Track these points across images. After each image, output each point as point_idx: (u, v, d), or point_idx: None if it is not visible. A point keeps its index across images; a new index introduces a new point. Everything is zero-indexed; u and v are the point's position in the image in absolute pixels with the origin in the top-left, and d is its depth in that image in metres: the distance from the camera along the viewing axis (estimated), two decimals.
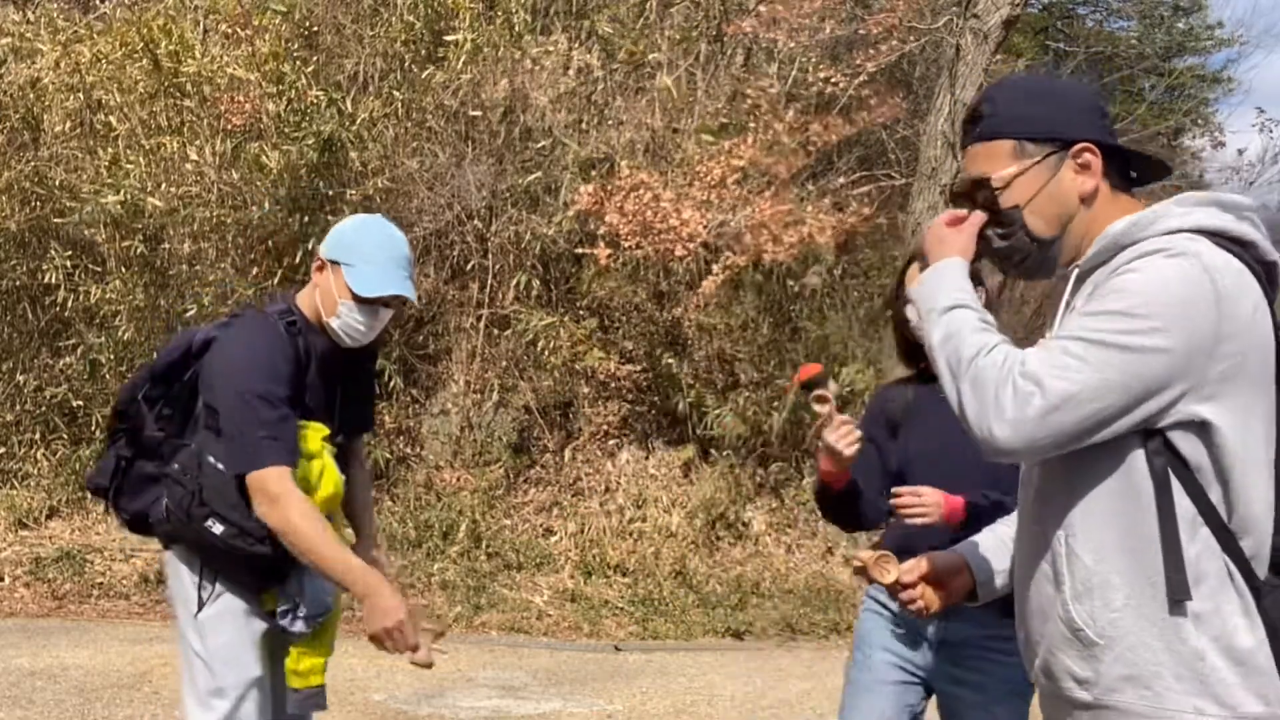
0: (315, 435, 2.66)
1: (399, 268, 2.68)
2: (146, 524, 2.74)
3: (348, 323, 2.67)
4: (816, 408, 2.49)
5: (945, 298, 1.70)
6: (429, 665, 2.56)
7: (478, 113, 9.29)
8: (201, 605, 2.66)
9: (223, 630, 2.66)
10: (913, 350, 2.72)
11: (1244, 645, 1.54)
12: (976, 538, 2.06)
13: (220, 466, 2.56)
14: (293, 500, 2.46)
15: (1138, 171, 1.75)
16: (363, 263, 2.64)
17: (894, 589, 2.03)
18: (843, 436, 2.49)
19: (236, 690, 2.64)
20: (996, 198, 1.70)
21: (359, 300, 2.65)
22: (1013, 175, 1.68)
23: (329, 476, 2.66)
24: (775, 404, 8.83)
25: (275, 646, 2.76)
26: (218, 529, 2.56)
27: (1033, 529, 1.73)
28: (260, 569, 2.64)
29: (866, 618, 2.79)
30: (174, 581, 2.74)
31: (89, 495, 8.67)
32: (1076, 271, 1.69)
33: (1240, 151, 22.81)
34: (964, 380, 1.61)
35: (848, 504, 2.69)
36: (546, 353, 8.99)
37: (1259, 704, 1.54)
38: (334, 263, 2.67)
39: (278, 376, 2.56)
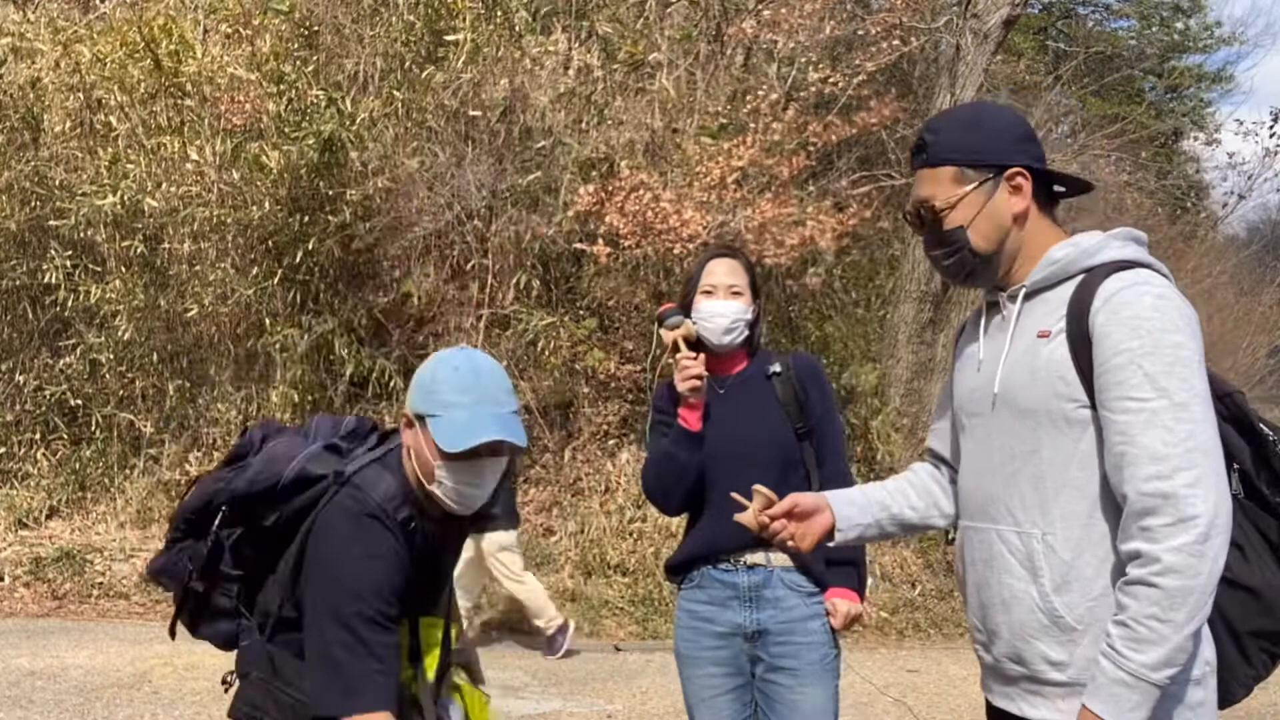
0: (431, 631, 2.32)
1: (494, 404, 2.16)
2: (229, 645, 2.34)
3: (451, 487, 2.15)
4: (664, 336, 2.74)
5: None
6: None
7: (478, 113, 9.29)
8: None
9: None
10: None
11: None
12: (842, 490, 2.20)
13: (299, 696, 2.14)
14: None
15: (1065, 186, 1.97)
16: (451, 410, 2.12)
17: (762, 526, 2.10)
18: (680, 369, 2.69)
19: None
20: (942, 218, 1.90)
21: (450, 458, 2.12)
22: (957, 199, 1.89)
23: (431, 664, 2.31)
24: None
25: None
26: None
27: (991, 529, 1.88)
28: None
29: (682, 634, 2.88)
30: None
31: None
32: (1024, 290, 1.88)
33: (1230, 155, 22.86)
34: (1184, 607, 1.67)
35: (687, 462, 2.77)
36: (546, 353, 8.99)
37: (1201, 669, 1.76)
38: (419, 417, 2.16)
39: (392, 594, 2.11)
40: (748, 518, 2.11)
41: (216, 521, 2.23)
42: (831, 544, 2.11)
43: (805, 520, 2.09)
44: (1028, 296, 1.88)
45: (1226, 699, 1.83)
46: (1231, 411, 1.84)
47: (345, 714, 2.02)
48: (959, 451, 2.06)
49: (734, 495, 2.14)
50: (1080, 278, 1.82)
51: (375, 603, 2.07)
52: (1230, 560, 1.71)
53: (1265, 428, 1.84)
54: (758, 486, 2.09)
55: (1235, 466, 1.82)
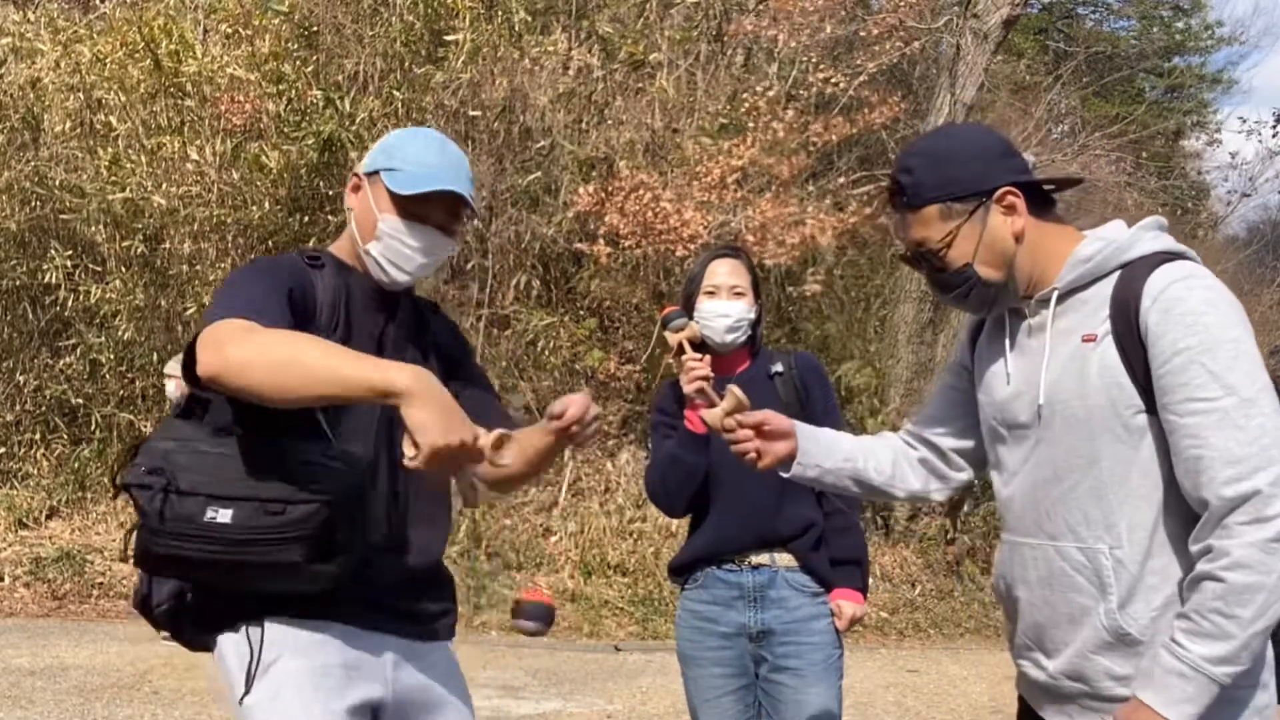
0: None
1: (456, 171, 2.03)
2: (183, 614, 1.97)
3: (390, 245, 2.00)
4: (669, 338, 2.70)
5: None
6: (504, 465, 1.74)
7: (478, 113, 9.30)
8: (249, 686, 1.85)
9: (285, 711, 1.83)
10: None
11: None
12: (814, 427, 2.10)
13: (179, 441, 1.82)
14: (245, 336, 1.70)
15: (1054, 185, 1.89)
16: (409, 164, 2.01)
17: (728, 429, 2.02)
18: (686, 371, 2.64)
19: None
20: (944, 260, 1.83)
21: (405, 212, 1.99)
22: (951, 237, 1.80)
23: None
24: None
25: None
26: (224, 515, 1.74)
27: (1049, 545, 1.80)
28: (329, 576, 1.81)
29: (684, 634, 2.88)
30: (222, 672, 1.91)
31: (86, 495, 8.68)
32: (1056, 293, 1.79)
33: (1233, 154, 22.87)
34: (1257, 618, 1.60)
35: (694, 465, 2.77)
36: (546, 353, 8.99)
37: (1267, 674, 1.68)
38: (373, 173, 2.03)
39: (282, 279, 1.89)
40: (713, 415, 2.02)
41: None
42: (785, 474, 2.02)
43: (771, 440, 2.00)
44: (1060, 299, 1.79)
45: None
46: None
47: (217, 319, 1.72)
48: (984, 456, 1.98)
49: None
50: (1116, 274, 1.74)
51: (256, 273, 1.89)
52: None
53: None
54: (731, 387, 2.01)
55: None
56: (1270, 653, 1.71)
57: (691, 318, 2.82)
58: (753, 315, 2.85)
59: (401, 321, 2.09)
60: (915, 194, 1.82)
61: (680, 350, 2.74)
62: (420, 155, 2.02)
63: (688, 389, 2.73)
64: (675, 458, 2.79)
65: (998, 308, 1.88)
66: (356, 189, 2.06)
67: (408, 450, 1.65)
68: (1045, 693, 1.86)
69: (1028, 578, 1.84)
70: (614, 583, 8.26)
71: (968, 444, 2.04)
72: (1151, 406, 1.68)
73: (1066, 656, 1.78)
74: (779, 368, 2.85)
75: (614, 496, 8.86)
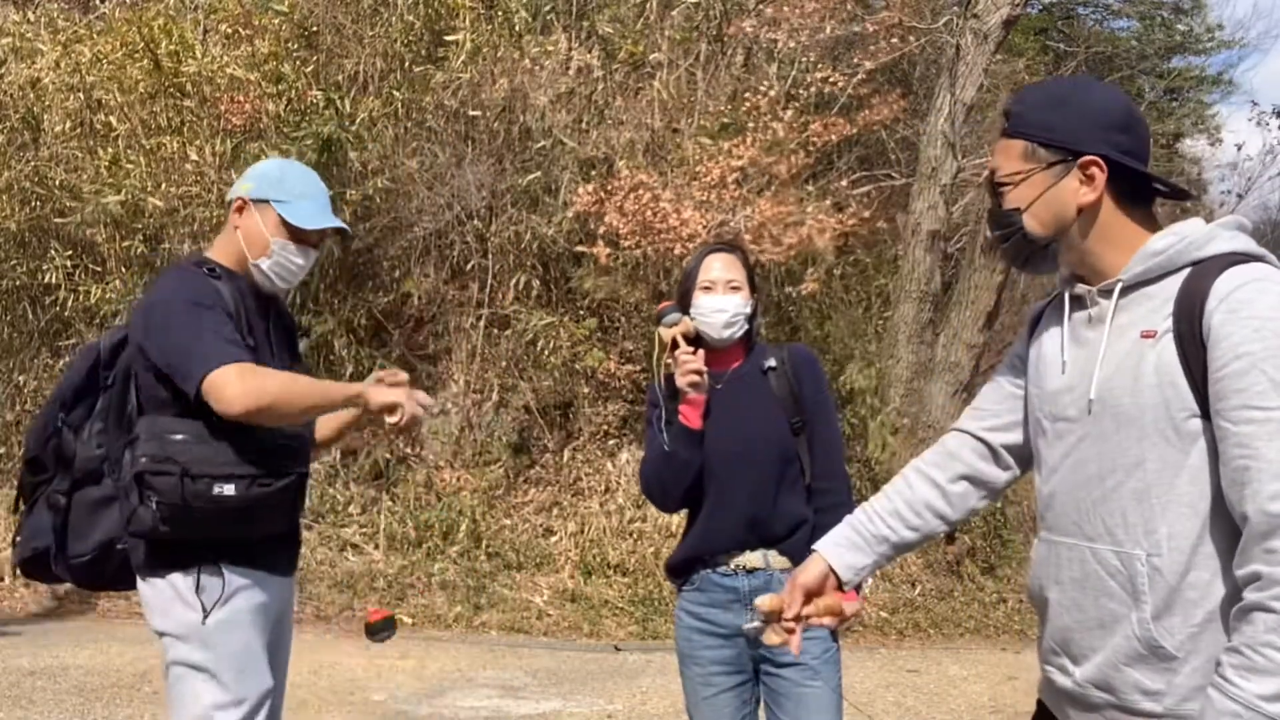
0: None
1: (329, 203, 2.65)
2: (106, 561, 2.50)
3: (281, 261, 2.57)
4: (662, 333, 2.74)
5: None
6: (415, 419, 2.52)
7: (478, 113, 9.30)
8: (207, 613, 2.42)
9: (234, 636, 2.44)
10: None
11: None
12: (835, 534, 2.08)
13: (182, 436, 2.38)
14: (259, 378, 2.32)
15: (1162, 185, 1.80)
16: (297, 199, 2.57)
17: (784, 642, 2.02)
18: (680, 366, 2.70)
19: (255, 701, 2.44)
20: (1001, 194, 1.78)
21: (297, 238, 2.56)
22: (1020, 177, 1.76)
23: None
24: None
25: (274, 642, 2.62)
26: (231, 490, 2.37)
27: (1085, 547, 1.74)
28: (285, 533, 2.57)
29: (682, 634, 2.89)
30: (161, 599, 2.46)
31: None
32: (1120, 285, 1.72)
33: (1238, 147, 22.85)
34: None
35: (689, 460, 2.77)
36: (546, 353, 8.99)
37: None
38: (261, 201, 2.56)
39: (207, 302, 2.44)
40: (770, 637, 2.01)
41: (53, 428, 2.52)
42: (843, 590, 2.01)
43: (820, 593, 1.98)
44: (1124, 292, 1.71)
45: None
46: None
47: (204, 373, 2.29)
48: (1031, 454, 1.92)
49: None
50: (1186, 272, 1.66)
51: (192, 296, 2.41)
52: None
53: None
54: (758, 601, 2.01)
55: None
56: None
57: (688, 313, 2.82)
58: (749, 309, 2.85)
59: (275, 319, 2.66)
60: (1015, 124, 1.79)
61: (674, 345, 2.75)
62: (306, 190, 2.61)
63: (681, 383, 2.74)
64: (669, 452, 2.79)
65: (1029, 267, 1.84)
66: (241, 210, 2.57)
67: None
68: (1070, 700, 1.80)
69: (1061, 578, 1.78)
70: (614, 583, 8.25)
71: (1018, 439, 1.96)
72: (1206, 411, 1.60)
73: (1095, 664, 1.72)
74: (772, 362, 2.85)
75: (614, 496, 8.85)
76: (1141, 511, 1.66)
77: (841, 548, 2.01)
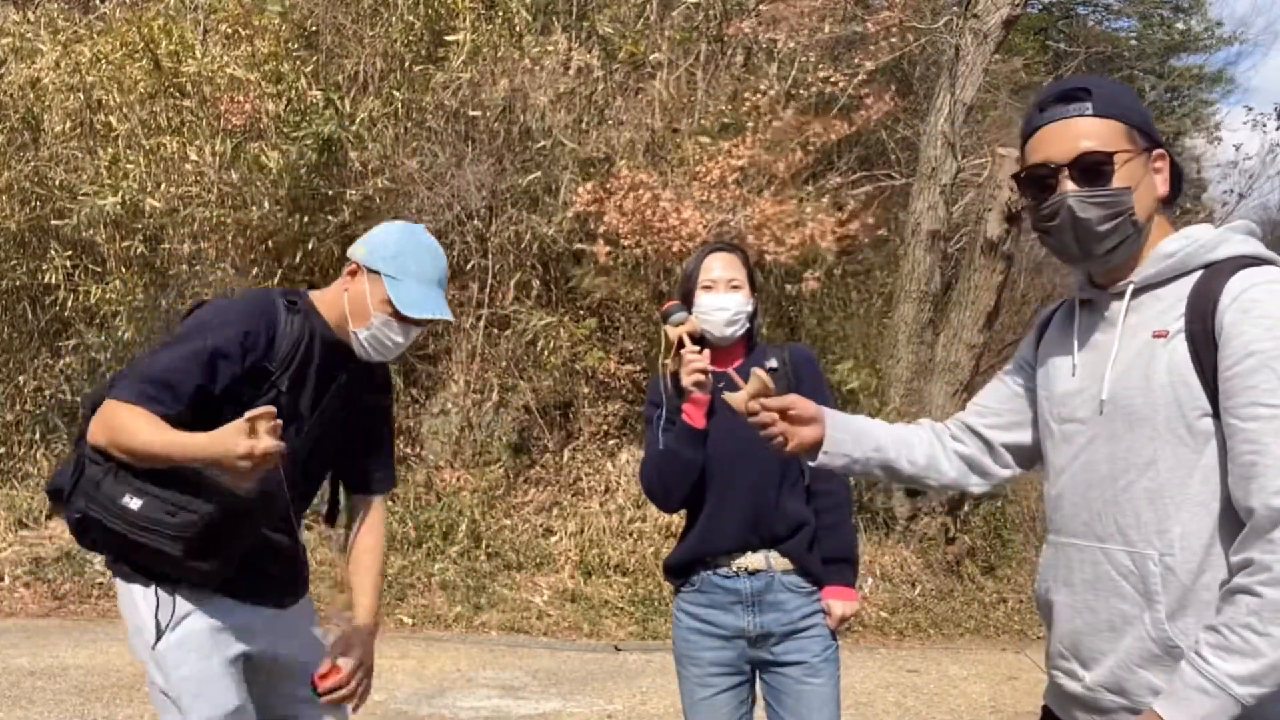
0: None
1: (441, 288, 2.53)
2: (86, 530, 2.46)
3: (378, 336, 2.49)
4: (669, 332, 2.75)
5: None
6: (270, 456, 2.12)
7: (478, 113, 9.30)
8: (160, 634, 2.38)
9: (186, 660, 2.39)
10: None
11: None
12: (844, 414, 2.07)
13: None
14: (130, 427, 2.22)
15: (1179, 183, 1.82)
16: (409, 279, 2.46)
17: (752, 411, 1.97)
18: (686, 364, 2.71)
19: None
20: (1111, 173, 1.70)
21: (399, 317, 2.46)
22: (1129, 155, 1.71)
23: None
24: None
25: (262, 664, 2.57)
26: (135, 503, 2.26)
27: (1097, 548, 1.73)
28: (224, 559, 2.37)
29: (681, 634, 2.89)
30: (128, 611, 2.45)
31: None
32: (1132, 286, 1.73)
33: (1237, 147, 22.88)
34: None
35: (691, 459, 2.77)
36: (546, 353, 8.99)
37: None
38: (374, 272, 2.47)
39: (244, 342, 2.36)
40: (738, 398, 1.96)
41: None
42: (812, 463, 1.98)
43: (797, 424, 1.94)
44: (1135, 294, 1.72)
45: None
46: None
47: (113, 395, 2.26)
48: (1032, 453, 1.93)
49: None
50: (1198, 274, 1.68)
51: (218, 338, 2.32)
52: None
53: None
54: (757, 370, 1.96)
55: None
56: None
57: (690, 313, 2.83)
58: (750, 308, 2.86)
59: (354, 375, 2.57)
60: (1104, 105, 1.73)
61: (680, 344, 2.76)
62: (421, 271, 2.48)
63: (686, 381, 2.75)
64: (672, 451, 2.79)
65: (1110, 257, 1.74)
66: (354, 274, 2.51)
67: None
68: (1080, 705, 1.78)
69: (1071, 580, 1.77)
70: (614, 583, 8.25)
71: (1019, 440, 1.96)
72: (1218, 410, 1.61)
73: (1107, 668, 1.70)
74: (773, 362, 2.86)
75: (614, 496, 8.85)
76: (1154, 511, 1.66)
77: (840, 425, 1.98)
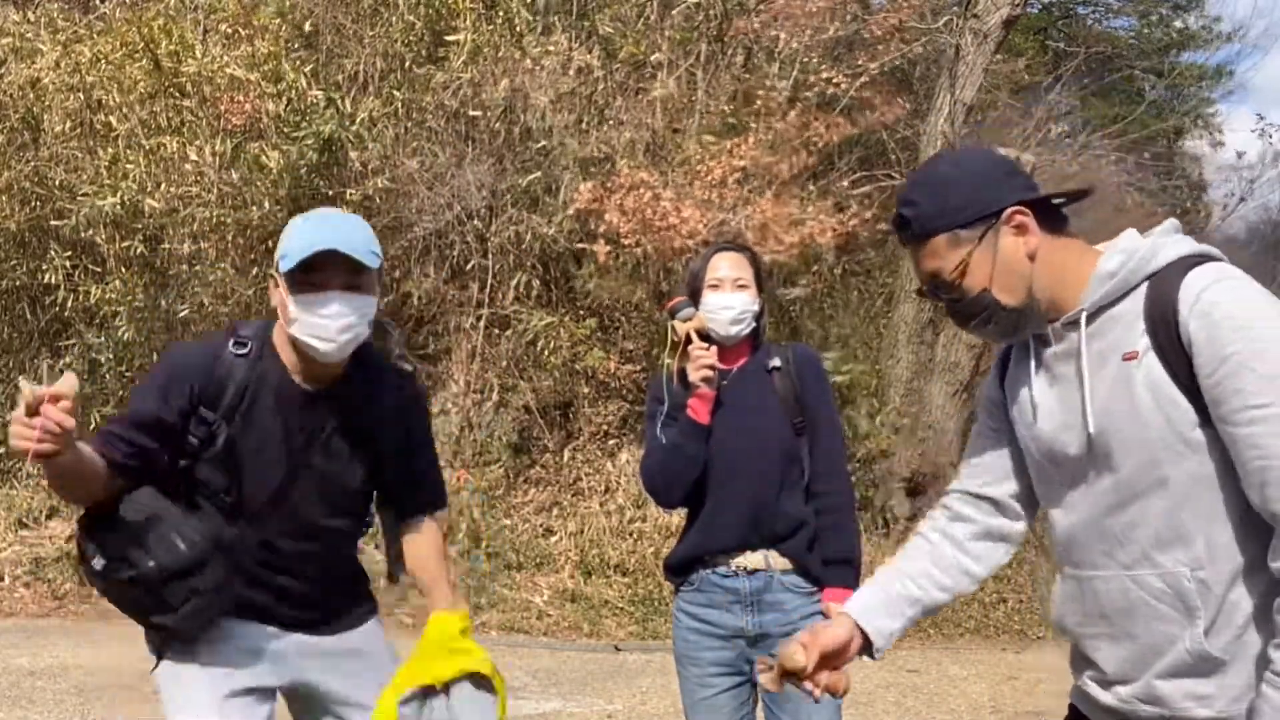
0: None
1: (334, 229, 2.24)
2: None
3: (305, 322, 2.21)
4: (677, 327, 2.74)
5: None
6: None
7: (478, 113, 9.30)
8: (158, 661, 2.40)
9: (174, 690, 2.39)
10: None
11: None
12: (864, 597, 1.99)
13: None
14: None
15: (1063, 198, 1.81)
16: (289, 244, 2.22)
17: (793, 684, 1.92)
18: (693, 360, 2.68)
19: None
20: (960, 290, 1.76)
21: (302, 287, 2.19)
22: (964, 264, 1.74)
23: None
24: None
25: (303, 695, 2.45)
26: (98, 563, 2.22)
27: (1124, 575, 1.72)
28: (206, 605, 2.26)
29: (681, 634, 2.89)
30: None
31: None
32: (1084, 314, 1.71)
33: (1239, 154, 22.86)
34: None
35: (695, 454, 2.77)
36: (546, 353, 8.99)
37: None
38: (276, 274, 2.27)
39: (161, 398, 2.24)
40: (769, 681, 1.90)
41: None
42: (873, 659, 1.94)
43: (837, 658, 1.89)
44: (1089, 319, 1.71)
45: None
46: None
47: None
48: (1040, 495, 1.89)
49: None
50: (1145, 285, 1.67)
51: (147, 396, 2.24)
52: None
53: None
54: (782, 656, 1.89)
55: None
56: None
57: (697, 310, 2.84)
58: (756, 307, 2.87)
59: (338, 419, 2.33)
60: (921, 225, 1.77)
61: (687, 340, 2.76)
62: (299, 235, 2.22)
63: (694, 377, 2.75)
64: (676, 446, 2.79)
65: (1022, 333, 1.81)
66: (276, 286, 2.27)
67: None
68: (1113, 714, 1.78)
69: (1104, 612, 1.75)
70: (614, 583, 8.26)
71: (1019, 487, 1.93)
72: (1208, 418, 1.60)
73: (1145, 681, 1.70)
74: (777, 362, 2.86)
75: (614, 496, 8.86)
76: (1174, 529, 1.65)
77: (873, 612, 1.93)
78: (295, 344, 2.26)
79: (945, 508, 2.01)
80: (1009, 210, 1.72)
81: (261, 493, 2.30)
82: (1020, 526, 1.96)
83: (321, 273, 2.17)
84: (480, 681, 2.28)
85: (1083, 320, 1.71)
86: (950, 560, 1.96)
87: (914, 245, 1.79)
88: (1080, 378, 1.70)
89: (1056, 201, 1.79)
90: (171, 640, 2.34)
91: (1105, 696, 1.77)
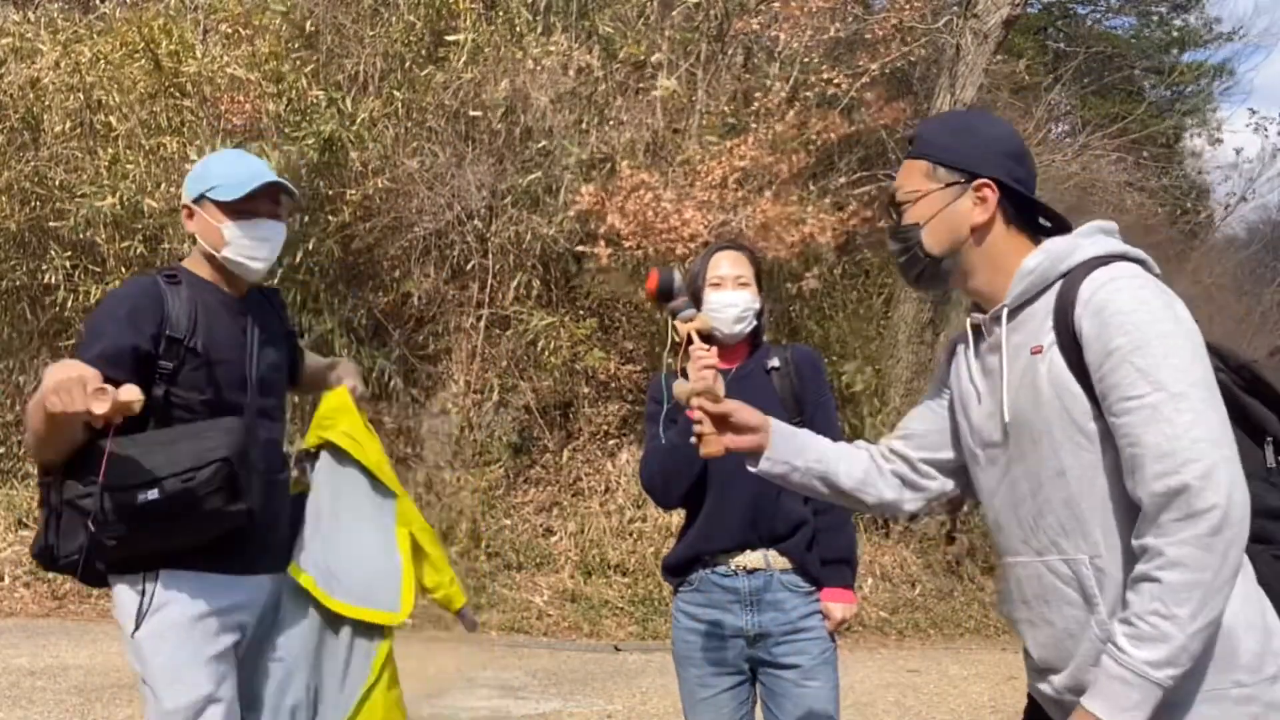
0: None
1: (255, 164, 2.61)
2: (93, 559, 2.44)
3: (239, 244, 2.56)
4: (679, 327, 2.66)
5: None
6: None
7: (478, 113, 9.29)
8: (139, 623, 2.43)
9: (162, 649, 2.43)
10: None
11: (1258, 613, 1.68)
12: (788, 426, 2.09)
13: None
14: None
15: (1048, 214, 1.91)
16: (223, 179, 2.55)
17: (689, 404, 2.03)
18: (694, 360, 2.65)
19: (187, 713, 2.40)
20: (902, 211, 1.90)
21: (241, 213, 2.54)
22: (920, 195, 1.88)
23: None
24: None
25: (260, 652, 2.58)
26: (153, 494, 2.30)
27: (1038, 562, 1.80)
28: (211, 540, 2.41)
29: (680, 635, 2.89)
30: (118, 611, 2.50)
31: None
32: (1006, 309, 1.82)
33: (1238, 151, 22.85)
34: (1207, 602, 1.60)
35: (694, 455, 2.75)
36: (546, 353, 8.99)
37: (1277, 667, 1.68)
38: (198, 199, 2.57)
39: (132, 328, 2.40)
40: (682, 390, 2.03)
41: None
42: (753, 469, 2.04)
43: (739, 432, 2.00)
44: (1011, 314, 1.82)
45: None
46: (1250, 382, 1.77)
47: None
48: (960, 467, 2.00)
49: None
50: (1059, 283, 1.77)
51: (111, 335, 2.38)
52: None
53: None
54: (706, 374, 2.00)
55: (1269, 439, 1.76)
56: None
57: (698, 311, 2.84)
58: (757, 305, 2.88)
59: (258, 321, 2.66)
60: (918, 146, 1.91)
61: (689, 340, 2.77)
62: (229, 169, 2.58)
63: (694, 377, 2.75)
64: (675, 446, 2.80)
65: (921, 283, 1.94)
66: (191, 216, 2.59)
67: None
68: (1057, 708, 1.84)
69: (1026, 597, 1.84)
70: (614, 583, 8.26)
71: (939, 456, 2.05)
72: (1101, 411, 1.69)
73: (1069, 672, 1.76)
74: (776, 362, 2.87)
75: (614, 496, 8.86)
76: (1075, 517, 1.73)
77: (788, 435, 2.05)
78: (218, 265, 2.59)
79: (878, 447, 2.14)
80: (982, 180, 1.83)
81: (232, 392, 2.55)
82: (933, 485, 2.07)
83: (252, 202, 2.55)
84: (341, 455, 2.72)
85: (1004, 315, 1.82)
86: (866, 465, 2.09)
87: (906, 158, 1.94)
88: (1001, 369, 1.81)
89: (1043, 222, 1.89)
90: (163, 585, 2.43)
91: (1045, 688, 1.84)
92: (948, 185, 1.85)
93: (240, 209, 2.54)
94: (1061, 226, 1.90)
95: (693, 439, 2.02)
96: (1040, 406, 1.74)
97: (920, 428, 2.07)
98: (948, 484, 2.08)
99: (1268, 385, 1.78)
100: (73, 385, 2.06)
